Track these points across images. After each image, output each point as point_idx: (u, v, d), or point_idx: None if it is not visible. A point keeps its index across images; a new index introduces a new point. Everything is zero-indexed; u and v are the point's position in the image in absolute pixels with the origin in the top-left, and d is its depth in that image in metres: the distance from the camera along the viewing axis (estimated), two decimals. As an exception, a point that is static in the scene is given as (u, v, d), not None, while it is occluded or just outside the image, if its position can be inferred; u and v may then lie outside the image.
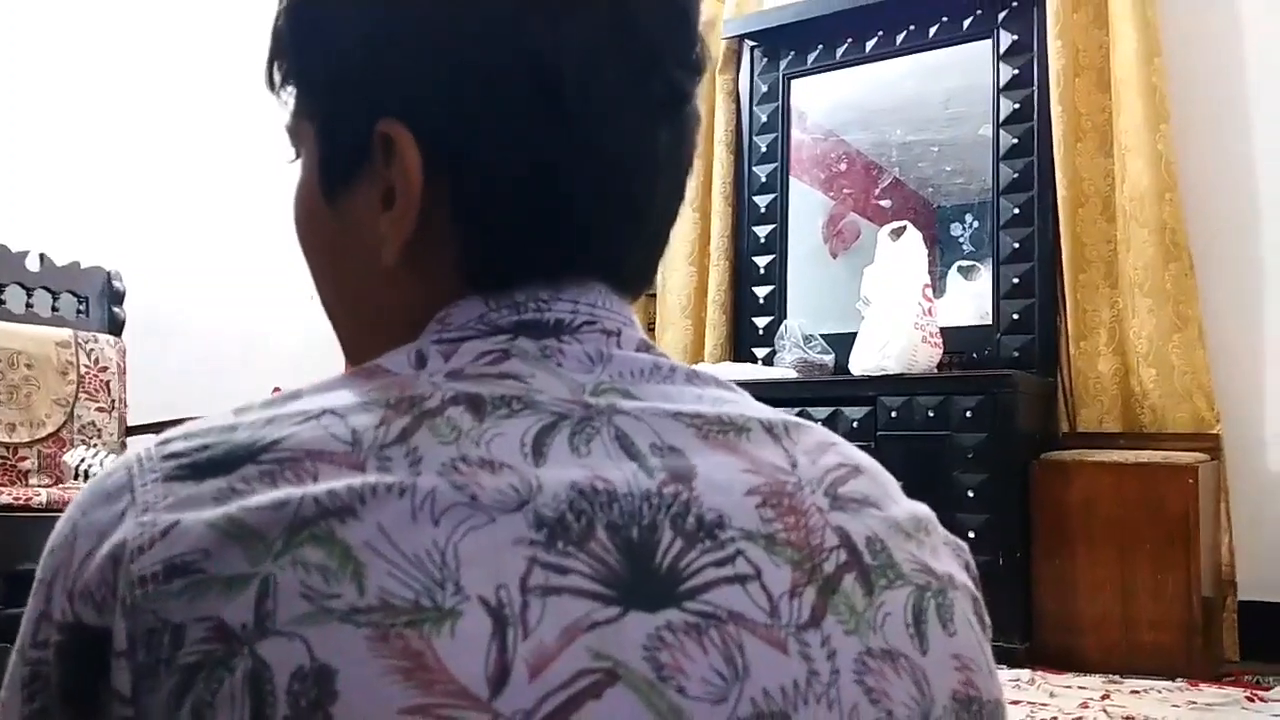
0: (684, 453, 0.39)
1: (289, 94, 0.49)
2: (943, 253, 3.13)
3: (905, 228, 2.88)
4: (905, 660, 0.39)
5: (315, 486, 0.35)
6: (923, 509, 0.46)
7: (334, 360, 0.49)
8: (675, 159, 0.48)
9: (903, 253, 2.84)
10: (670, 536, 0.36)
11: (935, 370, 2.74)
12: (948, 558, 0.45)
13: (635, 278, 0.48)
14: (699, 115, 0.49)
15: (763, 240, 3.35)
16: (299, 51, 0.48)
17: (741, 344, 3.34)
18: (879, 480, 0.44)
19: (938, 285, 3.00)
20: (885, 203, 3.35)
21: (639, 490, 0.37)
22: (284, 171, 0.50)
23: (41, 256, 2.73)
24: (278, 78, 0.49)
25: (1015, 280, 2.89)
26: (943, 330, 2.80)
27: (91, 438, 2.62)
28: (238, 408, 0.40)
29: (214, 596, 0.33)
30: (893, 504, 0.43)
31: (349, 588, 0.33)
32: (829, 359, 2.97)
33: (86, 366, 2.66)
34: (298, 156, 0.50)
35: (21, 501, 2.11)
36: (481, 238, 0.44)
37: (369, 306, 0.48)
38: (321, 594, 0.32)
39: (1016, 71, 2.96)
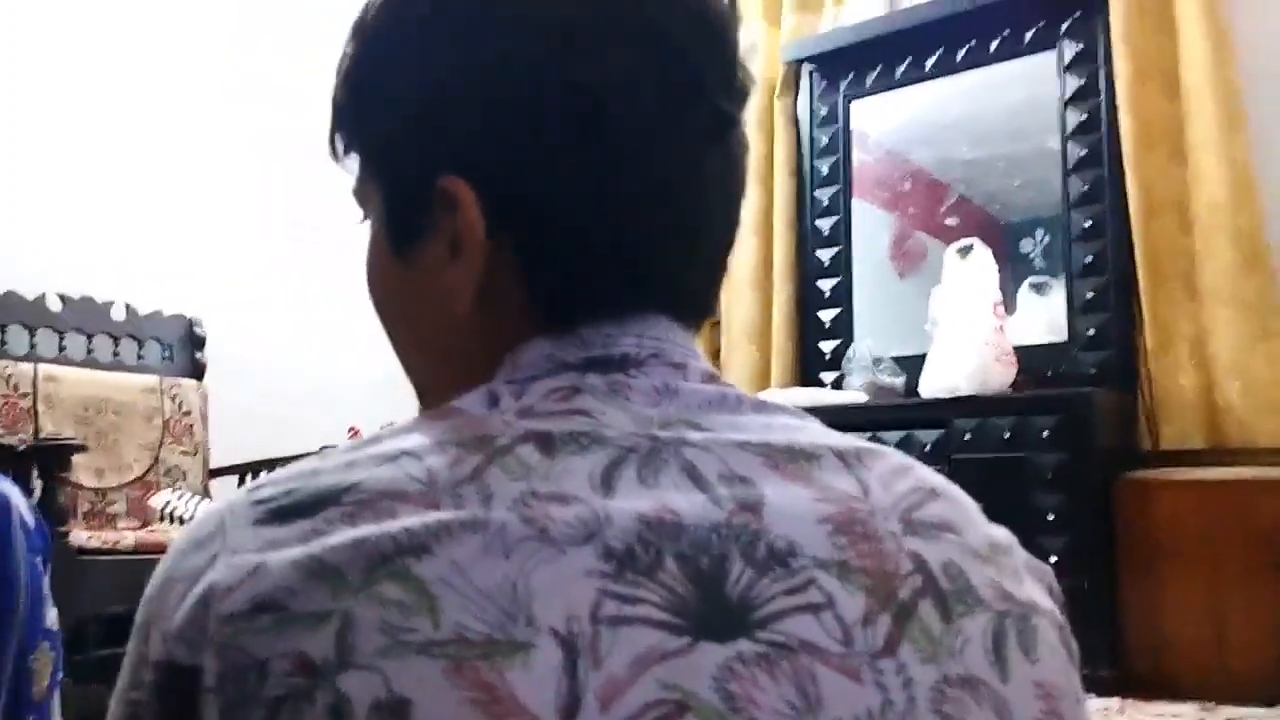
0: (753, 482, 0.39)
1: (353, 161, 0.51)
2: (1013, 269, 3.08)
3: (973, 245, 2.84)
4: (985, 688, 0.38)
5: (392, 524, 0.36)
6: (1003, 532, 0.45)
7: (406, 398, 0.51)
8: (726, 186, 0.49)
9: (971, 270, 2.80)
10: (740, 566, 0.36)
11: (1010, 390, 2.69)
12: (1030, 583, 0.44)
13: (697, 307, 0.49)
14: (747, 142, 0.50)
15: (827, 263, 3.33)
16: (359, 117, 0.51)
17: (809, 369, 3.31)
18: (957, 504, 0.44)
19: (1009, 303, 2.94)
20: (952, 220, 3.30)
21: (708, 521, 0.37)
22: (353, 213, 0.52)
23: (126, 306, 2.83)
24: (340, 147, 0.52)
25: (1090, 295, 2.83)
26: (1016, 349, 2.74)
27: (177, 481, 2.70)
28: (321, 453, 0.42)
29: (297, 632, 0.34)
30: (971, 528, 0.43)
31: (425, 622, 0.34)
32: (899, 381, 2.93)
33: (171, 411, 2.75)
34: (365, 218, 0.52)
35: (110, 545, 2.19)
36: (545, 278, 0.46)
37: (441, 354, 0.50)
38: (399, 628, 0.33)
39: (1082, 82, 2.90)
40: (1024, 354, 2.78)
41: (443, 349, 0.49)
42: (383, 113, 0.49)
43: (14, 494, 0.64)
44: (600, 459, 0.39)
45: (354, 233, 0.54)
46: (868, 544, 0.39)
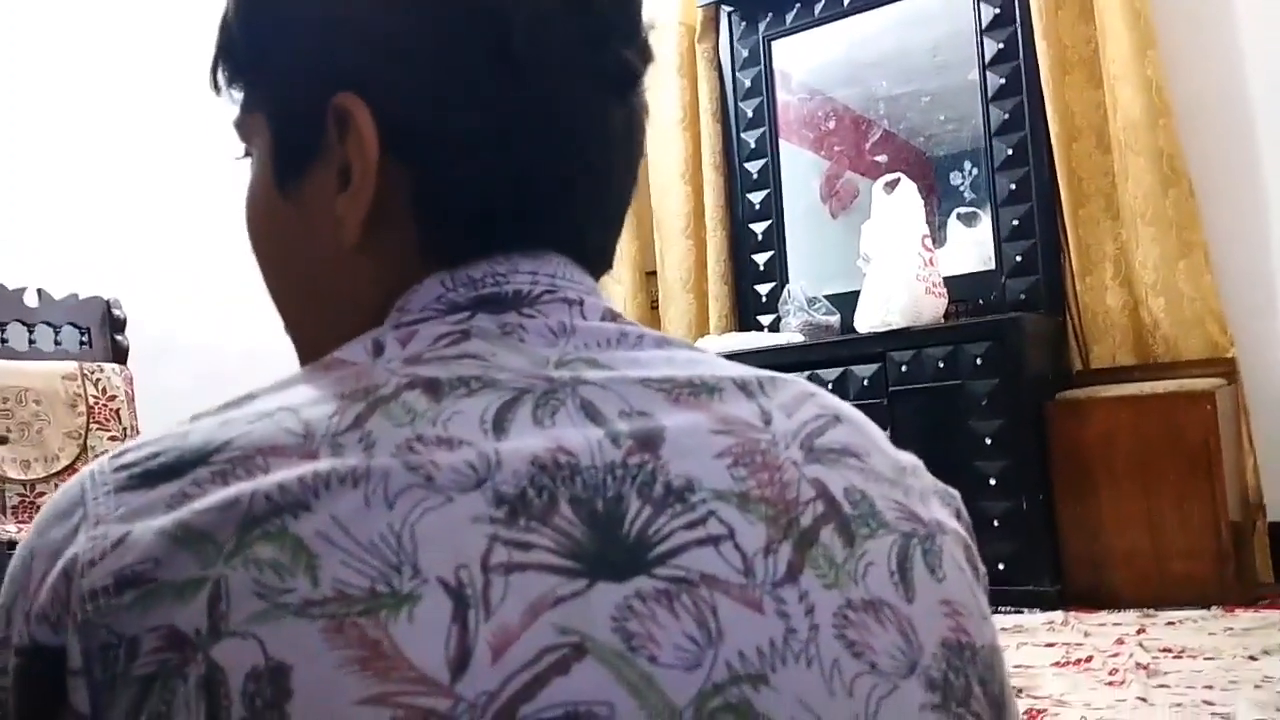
0: (652, 416, 0.38)
1: (237, 91, 0.49)
2: (941, 202, 3.10)
3: (899, 180, 2.85)
4: (889, 610, 0.37)
5: (265, 480, 0.34)
6: (908, 457, 0.44)
7: None
8: (628, 144, 0.47)
9: (899, 205, 2.81)
10: (638, 505, 0.35)
11: (942, 320, 2.72)
12: (936, 504, 0.43)
13: (595, 256, 0.47)
14: (648, 107, 0.49)
15: (758, 207, 3.33)
16: (250, 39, 0.48)
17: (746, 313, 3.32)
18: (861, 429, 0.43)
19: (938, 235, 2.97)
20: (880, 157, 3.31)
21: (604, 460, 0.36)
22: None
23: (39, 291, 2.73)
24: (223, 78, 0.49)
25: (1015, 222, 2.86)
26: (946, 279, 2.77)
27: (107, 467, 2.63)
28: (194, 414, 0.39)
29: (166, 605, 0.32)
30: (875, 452, 0.42)
31: (303, 581, 0.32)
32: (834, 320, 2.95)
33: (95, 397, 2.67)
34: (247, 154, 0.49)
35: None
36: (439, 213, 0.43)
37: (326, 298, 0.47)
38: (275, 590, 0.32)
39: (998, 10, 2.92)
40: (955, 284, 2.81)
41: (327, 293, 0.47)
42: (280, 30, 0.46)
43: None
44: (492, 400, 0.37)
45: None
46: (767, 473, 0.38)
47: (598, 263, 0.48)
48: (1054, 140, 2.78)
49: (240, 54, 0.48)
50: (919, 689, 0.36)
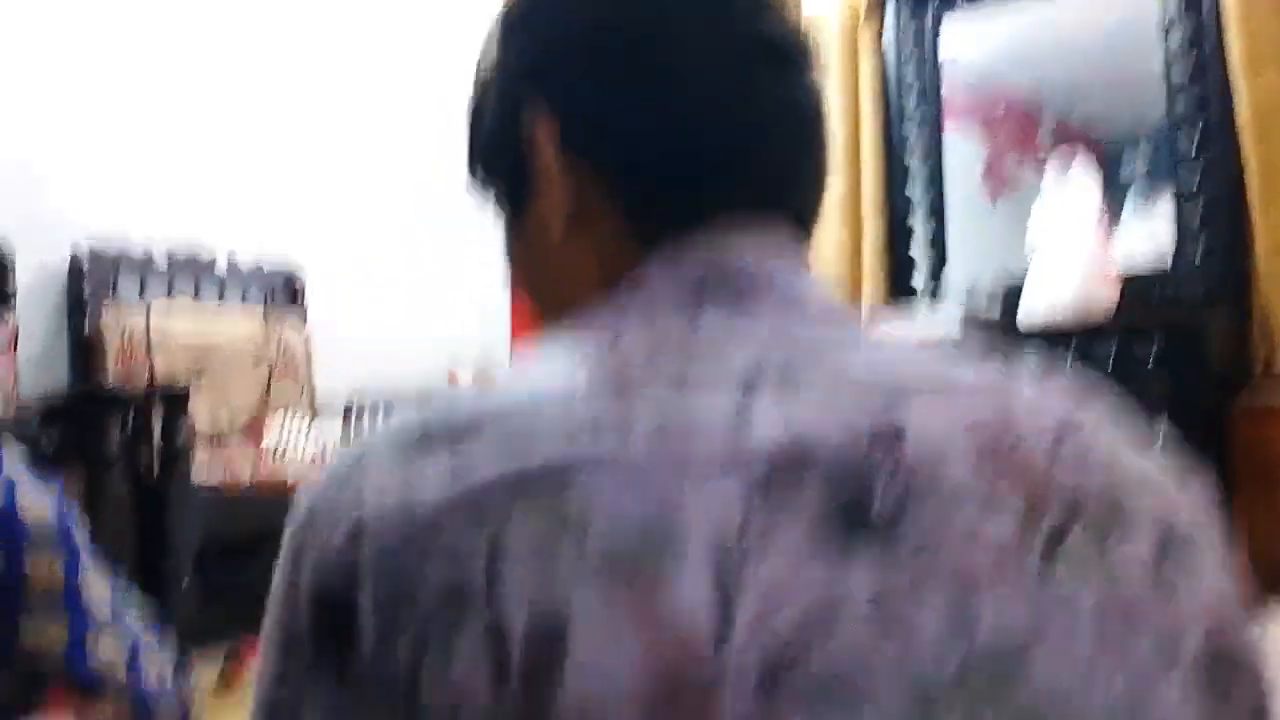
0: (895, 408, 0.39)
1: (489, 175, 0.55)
2: (1115, 191, 2.98)
3: (1073, 166, 2.76)
4: (1146, 609, 0.37)
5: (533, 458, 0.37)
6: (1161, 454, 0.44)
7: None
8: (808, 106, 0.51)
9: (1071, 192, 2.72)
10: (884, 491, 0.37)
11: (1113, 315, 2.62)
12: (1189, 503, 0.43)
13: (802, 210, 0.51)
14: (822, 79, 0.52)
15: (918, 194, 3.27)
16: (476, 124, 0.55)
17: (901, 297, 3.27)
18: (1111, 423, 0.43)
19: (1110, 225, 2.86)
20: (1048, 144, 3.21)
21: (846, 454, 0.37)
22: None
23: (229, 256, 2.91)
24: (478, 168, 0.56)
25: (1197, 214, 2.73)
26: (1119, 275, 2.67)
27: (286, 420, 2.79)
28: (455, 389, 0.44)
29: (447, 562, 0.36)
30: (1126, 450, 0.42)
31: (571, 547, 0.35)
32: (995, 312, 2.87)
33: (277, 354, 2.83)
34: (510, 225, 0.55)
35: (228, 482, 2.27)
36: (633, 192, 0.48)
37: (557, 291, 0.52)
38: (547, 552, 0.35)
39: (1186, -4, 2.78)
40: (1128, 279, 2.70)
41: (553, 287, 0.52)
42: (484, 94, 0.53)
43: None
44: (734, 390, 0.39)
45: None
46: (1015, 468, 0.38)
47: (804, 213, 0.51)
48: (1242, 131, 2.63)
49: (474, 125, 0.55)
50: (1176, 688, 0.37)
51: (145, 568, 2.00)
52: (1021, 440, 0.39)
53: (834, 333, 0.44)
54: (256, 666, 0.42)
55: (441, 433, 0.39)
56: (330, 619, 0.38)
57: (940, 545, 0.36)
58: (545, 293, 0.53)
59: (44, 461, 1.70)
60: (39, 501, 0.65)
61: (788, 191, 0.50)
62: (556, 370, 0.41)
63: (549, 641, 0.34)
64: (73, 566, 0.64)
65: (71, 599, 0.63)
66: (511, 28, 0.52)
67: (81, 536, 0.67)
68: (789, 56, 0.50)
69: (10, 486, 0.64)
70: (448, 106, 3.16)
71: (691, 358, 0.41)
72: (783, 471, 0.36)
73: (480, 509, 0.36)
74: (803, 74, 0.50)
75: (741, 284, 0.45)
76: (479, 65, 0.55)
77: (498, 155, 0.53)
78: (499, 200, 0.55)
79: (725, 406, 0.38)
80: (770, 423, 0.38)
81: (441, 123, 3.20)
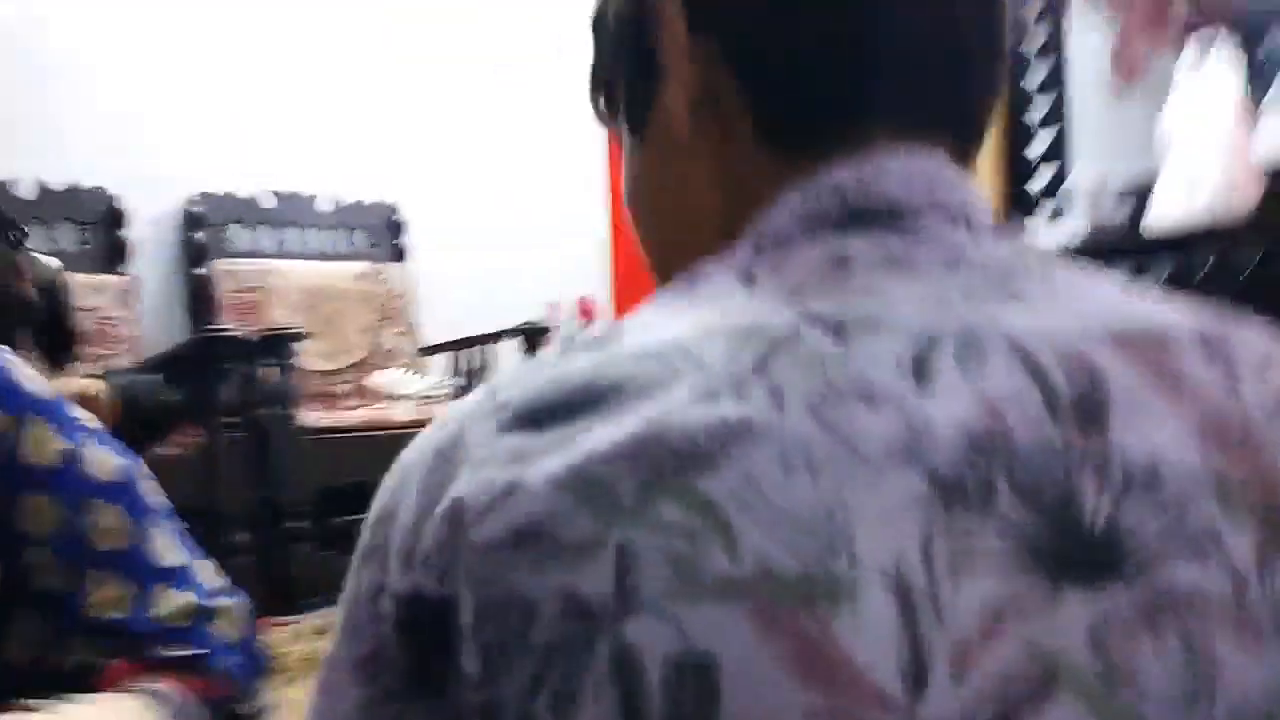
0: (1096, 375, 0.32)
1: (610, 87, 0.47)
2: (1260, 73, 2.71)
3: (1211, 49, 2.51)
4: None
5: (666, 427, 0.30)
6: None
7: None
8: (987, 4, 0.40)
9: (1209, 79, 2.48)
10: (1095, 492, 0.30)
11: (1257, 213, 2.40)
12: None
13: (964, 122, 0.41)
14: None
15: (1039, 83, 3.05)
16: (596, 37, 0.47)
17: (1021, 203, 3.08)
18: None
19: (1254, 113, 2.61)
20: (1182, 21, 2.93)
21: (1044, 436, 0.30)
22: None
23: (333, 198, 2.95)
24: (602, 101, 0.48)
25: (1356, 96, 2.46)
26: (1264, 167, 2.44)
27: (394, 360, 2.84)
28: (561, 348, 0.36)
29: (567, 566, 0.29)
30: None
31: (719, 554, 0.28)
32: (1126, 211, 2.68)
33: (384, 295, 2.87)
34: (634, 131, 0.46)
35: (338, 424, 2.34)
36: (770, 90, 0.39)
37: (677, 216, 0.43)
38: (690, 562, 0.28)
39: None
40: (1274, 172, 2.46)
41: (675, 209, 0.43)
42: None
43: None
44: (907, 344, 0.31)
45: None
46: (1246, 454, 0.31)
47: (968, 127, 0.41)
48: None
49: (598, 39, 0.47)
50: None
51: (256, 515, 2.08)
52: (1249, 417, 0.32)
53: (1011, 277, 0.35)
54: (320, 689, 0.35)
55: (556, 399, 0.32)
56: (424, 629, 0.31)
57: (1167, 567, 0.29)
58: (664, 215, 0.44)
59: (166, 410, 1.78)
60: (104, 455, 0.65)
61: (950, 104, 0.40)
62: (682, 317, 0.34)
63: (695, 686, 0.27)
64: (139, 520, 0.65)
65: (135, 555, 0.63)
66: None
67: (149, 489, 0.68)
68: None
69: (77, 440, 0.65)
70: (542, 36, 3.10)
71: (847, 304, 0.33)
72: (972, 465, 0.29)
73: (605, 494, 0.29)
74: None
75: (895, 219, 0.36)
76: None
77: (623, 48, 0.44)
78: (624, 108, 0.46)
79: (897, 369, 0.31)
80: (956, 394, 0.31)
81: (534, 52, 3.16)
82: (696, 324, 0.33)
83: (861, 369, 0.31)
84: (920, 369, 0.31)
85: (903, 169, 0.37)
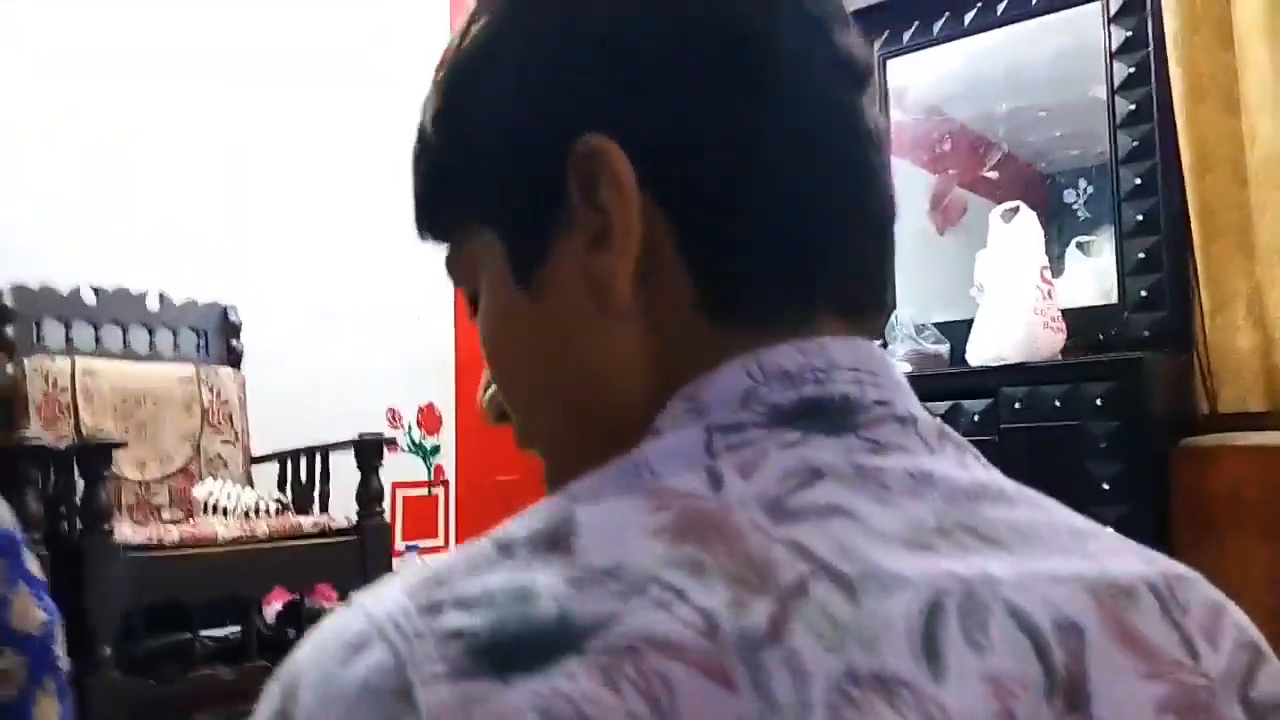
0: (1082, 641, 0.31)
1: (446, 223, 0.44)
2: (1059, 228, 2.99)
3: (1019, 208, 2.76)
4: None
5: (675, 708, 0.26)
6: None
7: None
8: (879, 146, 0.41)
9: (1017, 235, 2.72)
10: None
11: (1060, 356, 2.62)
12: None
13: (881, 294, 0.41)
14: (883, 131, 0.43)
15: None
16: (456, 134, 0.42)
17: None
18: None
19: (1055, 264, 2.86)
20: (994, 175, 3.21)
21: (1041, 718, 0.29)
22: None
23: (160, 295, 2.82)
24: (428, 221, 0.44)
25: (1141, 255, 2.74)
26: (1064, 312, 2.67)
27: (219, 470, 2.69)
28: (499, 540, 0.31)
29: None
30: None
31: None
32: (944, 349, 2.87)
33: (210, 400, 2.74)
34: (473, 300, 0.44)
35: (155, 541, 2.18)
36: (721, 262, 0.37)
37: (591, 385, 0.39)
38: None
39: (1129, 33, 2.79)
40: (1073, 317, 2.70)
41: (590, 378, 0.39)
42: (492, 102, 0.40)
43: None
44: (910, 605, 0.30)
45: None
46: None
47: (882, 299, 0.41)
48: (1186, 171, 2.65)
49: (447, 163, 0.43)
50: None
51: (65, 636, 1.90)
52: (1212, 692, 0.33)
53: (973, 502, 0.34)
54: None
55: (521, 633, 0.27)
56: None
57: None
58: (565, 375, 0.40)
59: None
60: None
61: (878, 281, 0.40)
62: (646, 522, 0.30)
63: None
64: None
65: None
66: (545, 24, 0.39)
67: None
68: (870, 69, 0.41)
69: None
70: (389, 133, 3.11)
71: (842, 545, 0.30)
72: None
73: None
74: (871, 95, 0.41)
75: (850, 417, 0.35)
76: (454, 81, 0.42)
77: (514, 179, 0.40)
78: (505, 252, 0.41)
79: (912, 641, 0.29)
80: (969, 678, 0.29)
81: (381, 150, 3.16)
82: (676, 544, 0.30)
83: (874, 641, 0.28)
84: (930, 647, 0.29)
85: (845, 356, 0.36)
